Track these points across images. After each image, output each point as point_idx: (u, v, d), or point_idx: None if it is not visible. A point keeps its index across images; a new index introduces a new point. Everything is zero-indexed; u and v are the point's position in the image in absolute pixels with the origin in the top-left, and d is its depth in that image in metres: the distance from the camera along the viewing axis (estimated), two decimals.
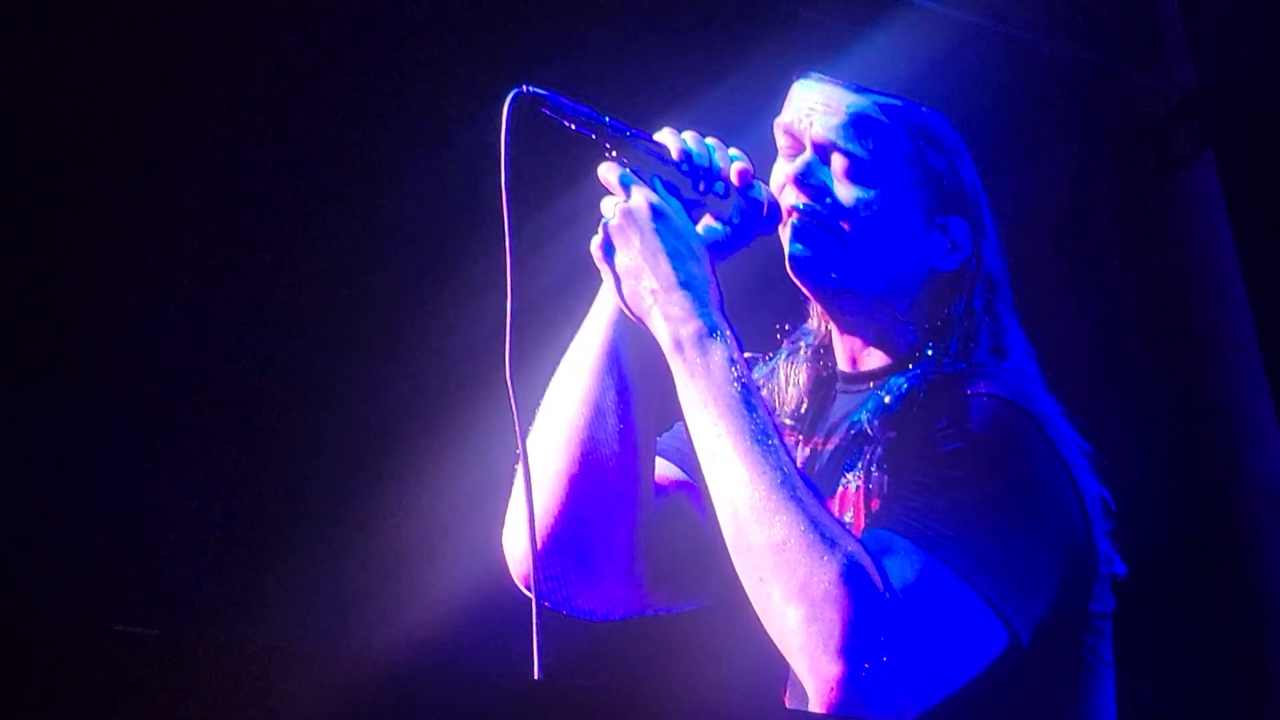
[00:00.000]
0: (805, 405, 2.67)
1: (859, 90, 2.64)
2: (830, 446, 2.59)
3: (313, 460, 5.13)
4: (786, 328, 2.76)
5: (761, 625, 2.28)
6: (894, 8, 5.38)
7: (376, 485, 5.18)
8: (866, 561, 2.19)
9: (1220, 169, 5.82)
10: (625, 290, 2.44)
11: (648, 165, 2.48)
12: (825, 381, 2.68)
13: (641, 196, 2.45)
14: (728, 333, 2.39)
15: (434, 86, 4.97)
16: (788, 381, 2.69)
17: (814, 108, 2.62)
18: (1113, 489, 2.52)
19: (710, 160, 2.52)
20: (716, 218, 2.56)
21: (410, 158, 5.07)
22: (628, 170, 2.48)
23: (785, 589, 2.19)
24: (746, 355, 2.56)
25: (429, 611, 4.95)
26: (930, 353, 2.56)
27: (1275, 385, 5.63)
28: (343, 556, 5.13)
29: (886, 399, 2.51)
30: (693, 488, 2.61)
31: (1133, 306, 5.78)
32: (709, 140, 2.55)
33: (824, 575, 2.17)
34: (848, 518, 2.46)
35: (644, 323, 2.43)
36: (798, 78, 2.69)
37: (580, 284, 2.64)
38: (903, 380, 2.53)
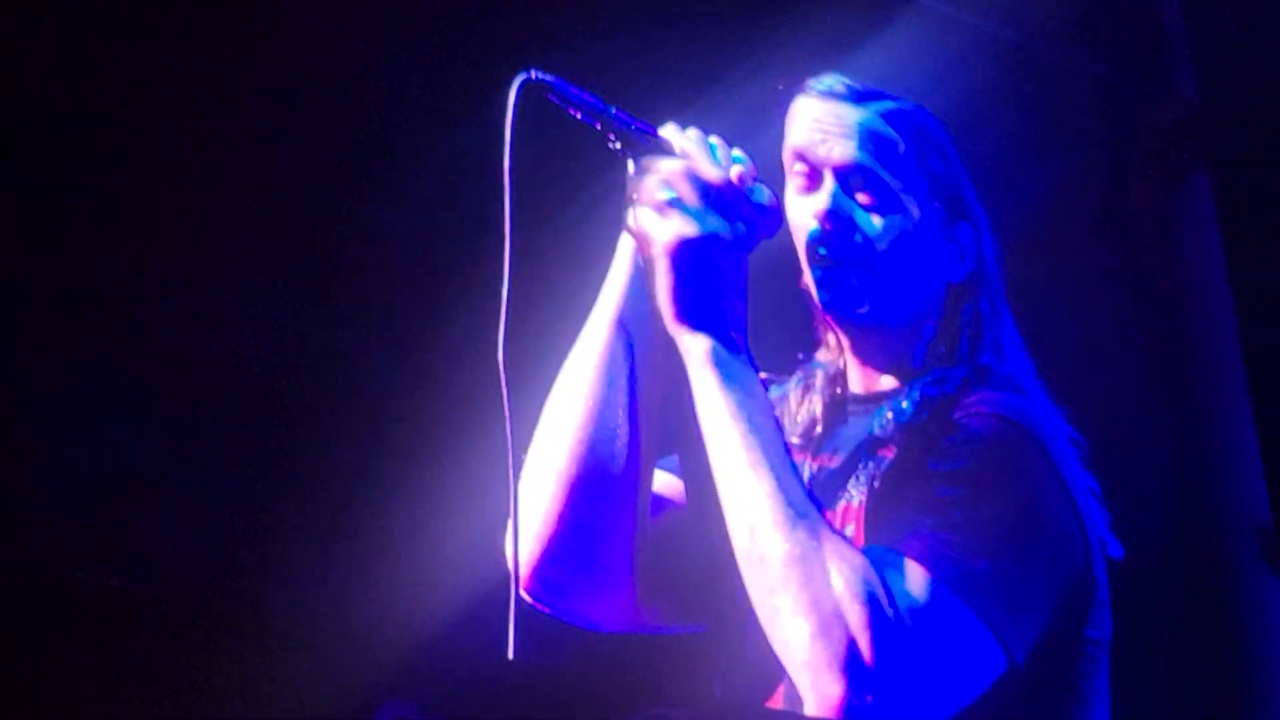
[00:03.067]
0: (818, 427, 2.63)
1: (862, 100, 2.58)
2: (835, 464, 2.56)
3: (308, 437, 5.15)
4: (800, 357, 2.72)
5: (749, 648, 2.29)
6: (899, 8, 5.36)
7: (374, 466, 5.19)
8: (876, 582, 2.17)
9: (1216, 186, 5.81)
10: (666, 296, 2.38)
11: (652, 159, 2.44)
12: (838, 404, 2.64)
13: (717, 217, 2.39)
14: (748, 355, 2.37)
15: (439, 72, 4.97)
16: (799, 406, 2.65)
17: (827, 130, 2.56)
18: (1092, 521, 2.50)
19: (712, 159, 2.47)
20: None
21: (417, 140, 5.07)
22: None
23: (795, 604, 2.17)
24: (763, 376, 2.53)
25: (417, 597, 4.95)
26: (937, 363, 2.54)
27: (1259, 407, 5.63)
28: (332, 535, 5.14)
29: (890, 415, 2.49)
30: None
31: (1119, 320, 5.77)
32: (712, 139, 2.49)
33: (835, 593, 2.16)
34: (849, 531, 2.43)
35: (675, 328, 2.38)
36: (797, 92, 2.62)
37: (586, 276, 2.61)
38: (909, 395, 2.50)
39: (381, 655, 4.83)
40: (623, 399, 2.49)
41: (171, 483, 5.01)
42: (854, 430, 2.57)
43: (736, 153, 2.51)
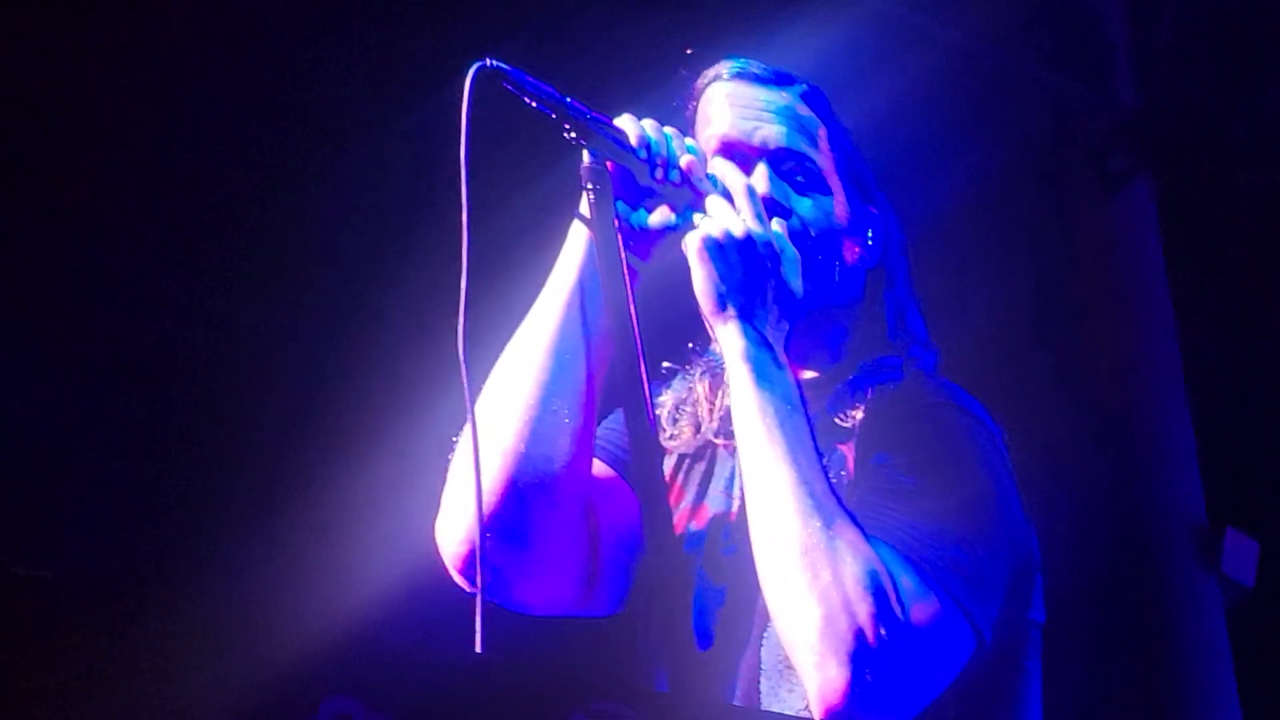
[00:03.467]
0: (719, 424, 2.65)
1: (779, 83, 2.62)
2: None
3: (240, 423, 5.11)
4: (693, 346, 2.74)
5: (694, 643, 2.35)
6: (842, 6, 5.37)
7: (308, 450, 5.15)
8: (884, 576, 2.24)
9: (1156, 190, 5.85)
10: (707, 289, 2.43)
11: (605, 149, 2.44)
12: None
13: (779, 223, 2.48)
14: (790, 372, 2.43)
15: (385, 57, 4.94)
16: (713, 396, 2.67)
17: (755, 114, 2.60)
18: (1032, 511, 2.55)
19: (668, 149, 2.49)
20: (671, 208, 2.53)
21: (361, 125, 5.03)
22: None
23: (808, 589, 2.23)
24: (666, 365, 2.62)
25: (356, 586, 4.92)
26: (865, 355, 2.58)
27: (1196, 406, 5.67)
28: (271, 521, 5.10)
29: (835, 419, 2.52)
30: (628, 492, 2.57)
31: (1059, 322, 5.81)
32: (667, 129, 2.52)
33: (846, 585, 2.22)
34: None
35: (712, 329, 2.44)
36: (712, 78, 2.64)
37: (540, 262, 2.61)
38: (856, 385, 2.55)
39: (322, 648, 4.80)
40: (571, 382, 2.49)
41: (97, 470, 4.95)
42: None
43: (690, 142, 2.53)
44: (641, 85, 2.81)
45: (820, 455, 2.34)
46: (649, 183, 2.49)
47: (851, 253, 2.59)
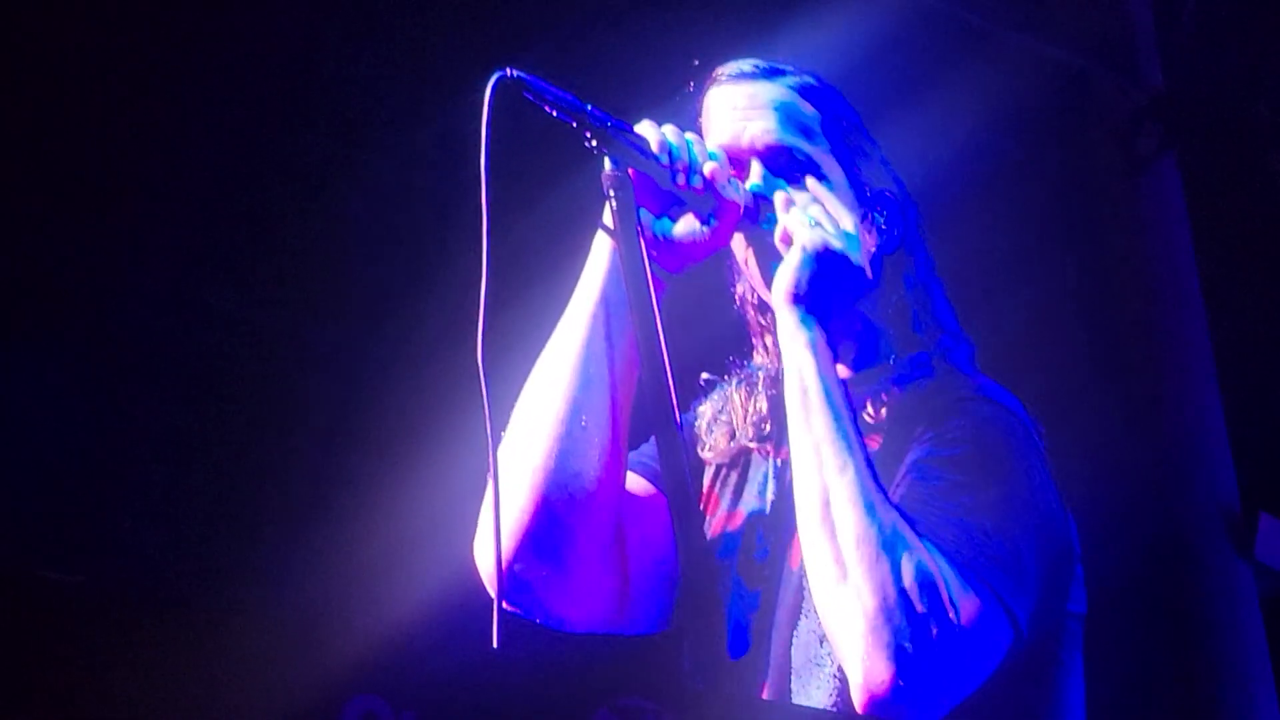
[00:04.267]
0: (767, 425, 2.65)
1: (772, 76, 2.61)
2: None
3: (280, 430, 5.13)
4: (732, 360, 2.74)
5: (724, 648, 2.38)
6: None
7: (344, 462, 5.17)
8: (937, 572, 2.25)
9: (1182, 170, 5.83)
10: (793, 281, 2.45)
11: (627, 156, 2.43)
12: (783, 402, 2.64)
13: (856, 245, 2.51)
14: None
15: (416, 64, 4.94)
16: (746, 404, 2.67)
17: (744, 113, 2.59)
18: (1069, 502, 2.54)
19: (689, 154, 2.48)
20: (696, 215, 2.52)
21: (392, 135, 5.04)
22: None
23: (862, 582, 2.24)
24: (705, 377, 2.63)
25: (385, 592, 4.93)
26: (894, 352, 2.57)
27: (1227, 391, 5.65)
28: (301, 525, 5.12)
29: (871, 405, 2.52)
30: (662, 507, 2.56)
31: (1088, 306, 5.79)
32: (688, 135, 2.50)
33: (905, 577, 2.24)
34: None
35: (780, 308, 2.45)
36: (708, 85, 2.64)
37: (563, 271, 2.61)
38: (885, 384, 2.54)
39: (349, 649, 4.83)
40: (599, 398, 2.49)
41: (139, 479, 4.98)
42: None
43: (712, 148, 2.52)
44: (664, 90, 2.80)
45: (870, 460, 2.35)
46: (671, 187, 2.48)
47: (861, 239, 2.56)
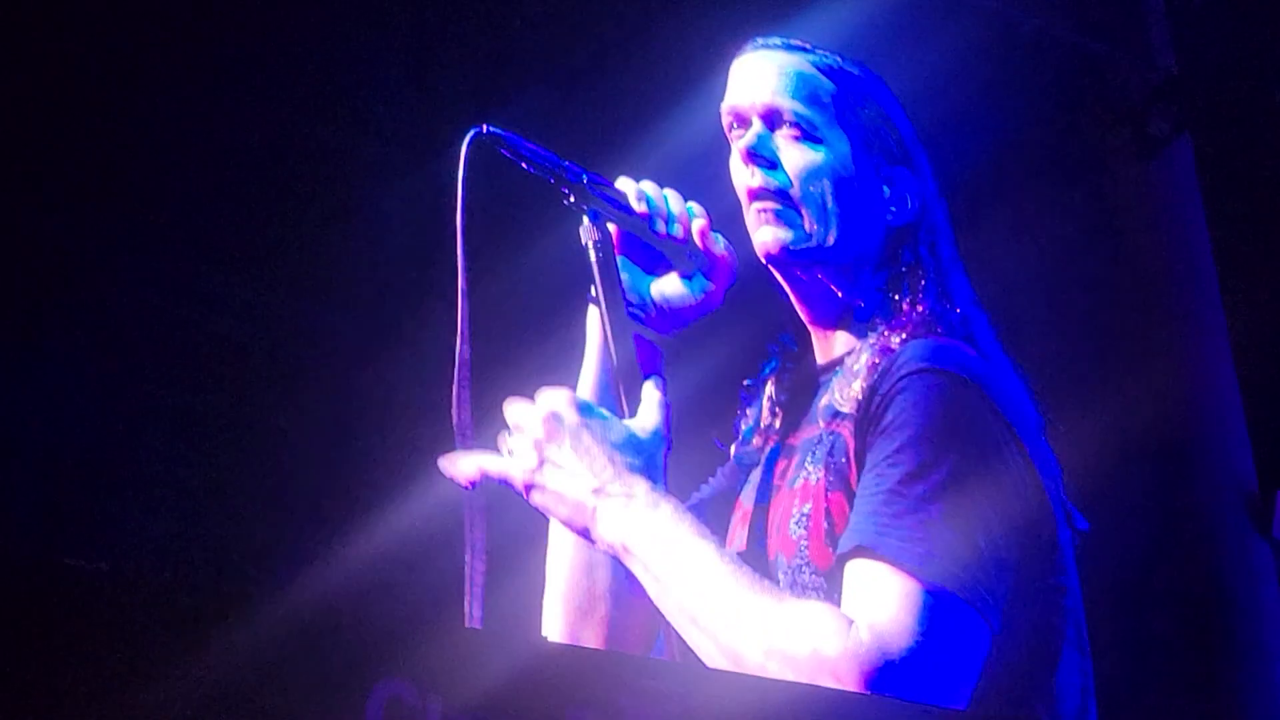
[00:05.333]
0: (777, 417, 2.66)
1: (792, 49, 2.62)
2: (798, 440, 2.58)
3: (289, 417, 5.14)
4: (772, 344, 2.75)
5: None
6: None
7: (352, 449, 5.18)
8: (837, 621, 2.19)
9: (1197, 152, 5.82)
10: (563, 508, 2.33)
11: (605, 211, 2.45)
12: (807, 381, 2.65)
13: (561, 397, 2.35)
14: (672, 500, 2.33)
15: (407, 109, 4.96)
16: (773, 392, 2.68)
17: (754, 77, 2.60)
18: (1081, 479, 2.51)
19: (667, 207, 2.51)
20: (682, 275, 2.56)
21: (404, 123, 5.06)
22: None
23: (780, 667, 2.17)
24: (746, 382, 2.63)
25: (405, 575, 4.94)
26: (881, 317, 2.54)
27: (1243, 373, 5.65)
28: (320, 509, 5.13)
29: (838, 391, 2.49)
30: None
31: (1103, 289, 5.79)
32: (667, 192, 2.54)
33: (790, 630, 2.18)
34: (806, 509, 2.44)
35: (590, 533, 2.32)
36: (734, 57, 2.65)
37: (540, 326, 2.62)
38: (854, 362, 2.50)
39: (373, 634, 4.83)
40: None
41: (154, 467, 5.00)
42: (816, 402, 2.58)
43: (691, 205, 2.55)
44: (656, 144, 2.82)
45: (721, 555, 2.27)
46: (650, 239, 2.50)
47: (856, 205, 2.55)
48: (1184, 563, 5.44)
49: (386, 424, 5.14)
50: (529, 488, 2.31)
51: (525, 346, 2.70)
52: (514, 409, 2.35)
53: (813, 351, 2.65)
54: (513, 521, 2.54)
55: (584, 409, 2.33)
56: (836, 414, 2.46)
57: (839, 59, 2.61)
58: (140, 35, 4.72)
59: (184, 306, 5.08)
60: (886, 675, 2.14)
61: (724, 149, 2.63)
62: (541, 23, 4.93)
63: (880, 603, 2.19)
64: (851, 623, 2.18)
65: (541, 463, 2.30)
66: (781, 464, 2.57)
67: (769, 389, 2.68)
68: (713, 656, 2.22)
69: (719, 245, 2.54)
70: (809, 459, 2.48)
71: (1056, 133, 5.83)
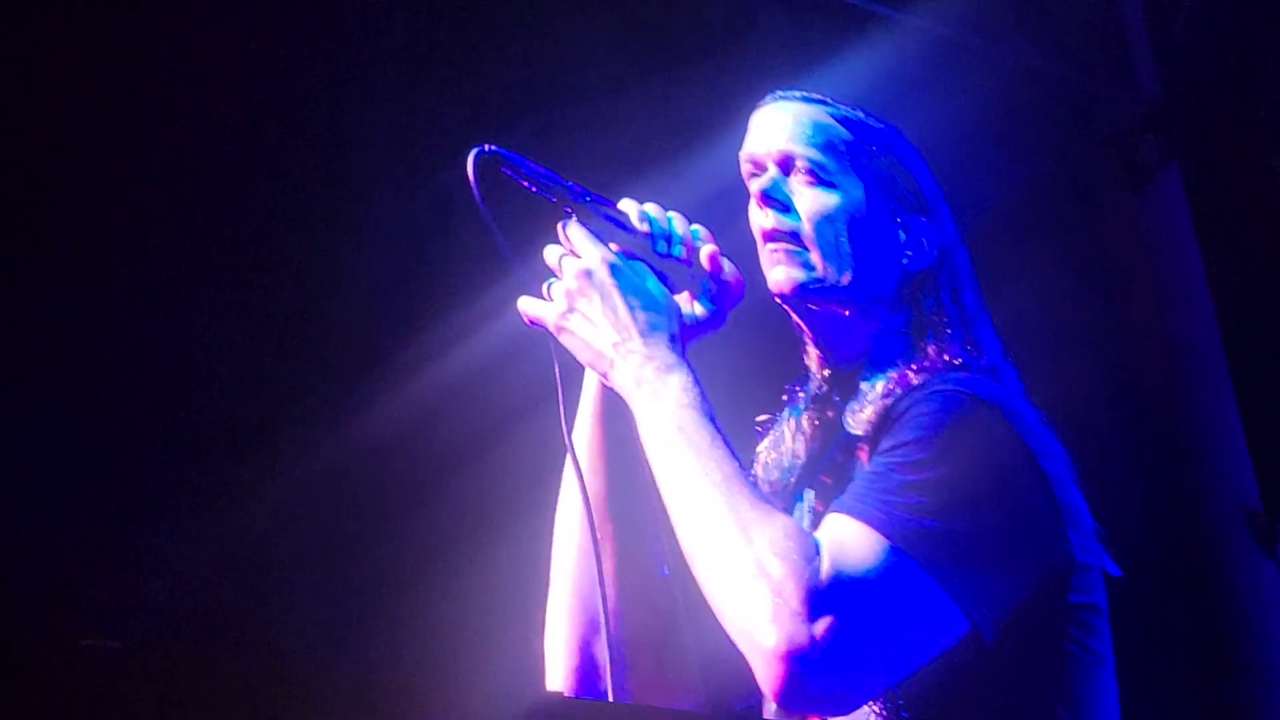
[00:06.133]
0: (804, 455, 2.66)
1: (812, 101, 2.66)
2: (816, 485, 2.60)
3: (295, 475, 5.10)
4: (788, 386, 2.75)
5: None
6: (865, 20, 5.41)
7: (363, 500, 5.15)
8: (796, 538, 2.22)
9: (1185, 179, 5.86)
10: (586, 353, 2.47)
11: (607, 231, 2.48)
12: (829, 424, 2.66)
13: (597, 255, 2.47)
14: (685, 368, 2.42)
15: (408, 129, 4.99)
16: (792, 433, 2.68)
17: (772, 126, 2.65)
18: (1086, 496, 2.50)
19: (670, 228, 2.54)
20: (689, 294, 2.59)
21: (395, 131, 5.08)
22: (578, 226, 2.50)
23: (724, 577, 2.22)
24: (763, 418, 2.64)
25: (420, 637, 4.94)
26: (903, 360, 2.55)
27: (1240, 392, 5.67)
28: (328, 576, 5.10)
29: (850, 417, 2.52)
30: None
31: (1098, 316, 5.82)
32: (670, 214, 2.57)
33: (755, 555, 2.21)
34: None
35: (607, 378, 2.46)
36: (756, 110, 2.70)
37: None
38: (870, 390, 2.53)
39: (393, 703, 4.80)
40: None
41: (162, 540, 4.96)
42: (837, 435, 2.60)
43: (696, 228, 2.59)
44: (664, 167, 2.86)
45: (736, 457, 2.33)
46: (653, 259, 2.52)
47: (869, 249, 2.57)
48: (1191, 583, 5.45)
49: (401, 499, 5.10)
50: (559, 330, 2.47)
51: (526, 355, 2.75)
52: (553, 253, 2.50)
53: (833, 398, 2.66)
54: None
55: (615, 270, 2.46)
56: (850, 439, 2.50)
57: (861, 113, 2.64)
58: (136, 47, 4.71)
59: (204, 368, 5.03)
60: (825, 611, 2.16)
61: (740, 193, 2.68)
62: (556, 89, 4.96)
63: (849, 551, 2.22)
64: (819, 552, 2.21)
65: (570, 310, 2.46)
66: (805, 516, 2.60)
67: (786, 433, 2.69)
68: (686, 525, 2.30)
69: (727, 268, 2.57)
70: (830, 475, 2.53)
71: (1044, 167, 5.86)
